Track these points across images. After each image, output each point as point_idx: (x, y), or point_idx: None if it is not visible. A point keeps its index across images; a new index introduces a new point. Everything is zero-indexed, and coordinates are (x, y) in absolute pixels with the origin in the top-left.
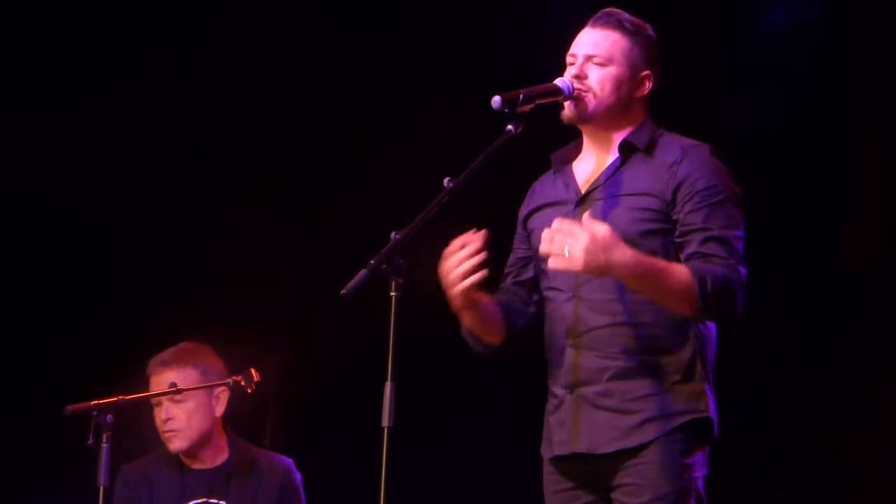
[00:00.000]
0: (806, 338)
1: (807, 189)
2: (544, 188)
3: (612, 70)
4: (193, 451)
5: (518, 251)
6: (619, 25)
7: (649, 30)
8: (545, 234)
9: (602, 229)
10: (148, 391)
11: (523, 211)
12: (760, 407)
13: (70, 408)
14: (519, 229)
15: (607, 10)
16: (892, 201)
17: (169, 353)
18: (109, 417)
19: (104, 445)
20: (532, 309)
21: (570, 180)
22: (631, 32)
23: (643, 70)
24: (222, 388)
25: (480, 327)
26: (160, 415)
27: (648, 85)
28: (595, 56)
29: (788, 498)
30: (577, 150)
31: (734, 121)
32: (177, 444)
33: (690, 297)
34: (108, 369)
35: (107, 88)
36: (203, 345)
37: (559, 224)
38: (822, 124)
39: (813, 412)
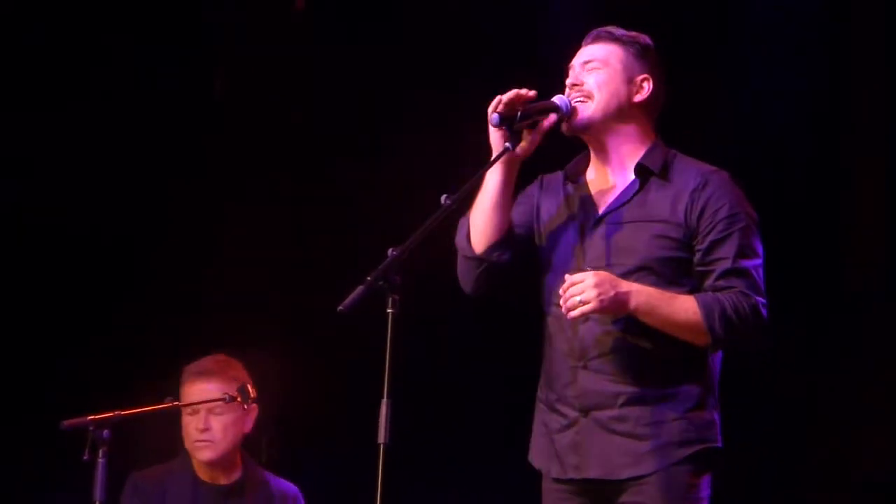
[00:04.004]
0: (806, 338)
1: (806, 190)
2: (558, 198)
3: (607, 72)
4: (218, 463)
5: (514, 218)
6: (611, 37)
7: (644, 39)
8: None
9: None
10: (179, 397)
11: (537, 197)
12: (760, 407)
13: (66, 423)
14: (523, 201)
15: (599, 28)
16: (892, 203)
17: (208, 363)
18: (106, 433)
19: (100, 461)
20: (516, 257)
21: (586, 197)
22: (625, 42)
23: (640, 74)
24: (253, 405)
25: (497, 200)
26: (195, 423)
27: (648, 88)
28: (590, 62)
29: (788, 498)
30: (587, 162)
31: (733, 122)
32: (207, 454)
33: (698, 329)
34: (104, 383)
35: (107, 89)
36: (234, 358)
37: (567, 281)
38: (821, 125)
39: (813, 412)
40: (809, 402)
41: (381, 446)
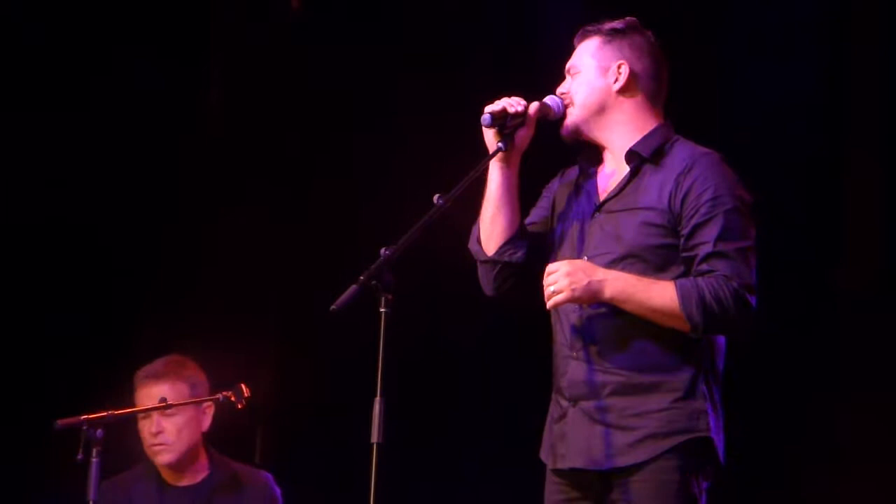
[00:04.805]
0: (804, 338)
1: (806, 188)
2: (571, 190)
3: (583, 72)
4: (179, 465)
5: (532, 215)
6: (592, 32)
7: (626, 24)
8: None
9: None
10: (134, 403)
11: (555, 190)
12: (758, 407)
13: (60, 422)
14: (545, 195)
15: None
16: (892, 202)
17: (159, 365)
18: (99, 432)
19: (94, 460)
20: (531, 254)
21: (592, 188)
22: (603, 32)
23: (614, 61)
24: (209, 403)
25: (501, 199)
26: (149, 427)
27: (625, 72)
28: (570, 68)
29: (789, 498)
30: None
31: (733, 120)
32: (165, 457)
33: (677, 316)
34: (97, 383)
35: (106, 89)
36: (188, 358)
37: (546, 271)
38: (821, 125)
39: (813, 412)
40: (809, 402)
41: (375, 445)
